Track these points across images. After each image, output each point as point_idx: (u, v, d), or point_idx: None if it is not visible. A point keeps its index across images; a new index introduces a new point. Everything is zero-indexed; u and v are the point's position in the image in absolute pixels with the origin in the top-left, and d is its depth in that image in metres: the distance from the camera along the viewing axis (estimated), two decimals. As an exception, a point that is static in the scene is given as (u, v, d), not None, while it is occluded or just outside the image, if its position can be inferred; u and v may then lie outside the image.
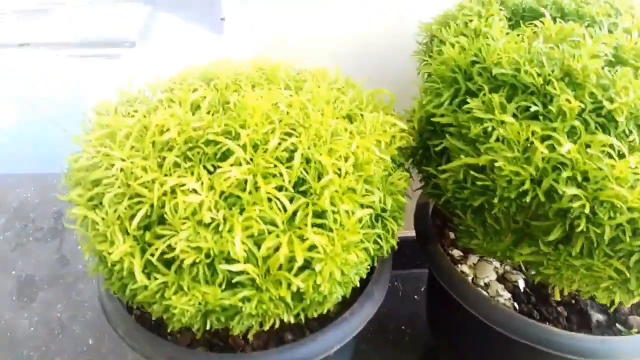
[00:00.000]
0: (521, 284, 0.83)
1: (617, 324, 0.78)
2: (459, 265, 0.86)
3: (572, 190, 0.52)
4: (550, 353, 0.71)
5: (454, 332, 0.93)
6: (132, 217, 0.54)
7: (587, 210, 0.51)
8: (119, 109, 0.68)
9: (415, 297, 1.28)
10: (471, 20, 0.69)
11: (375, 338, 1.17)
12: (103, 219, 0.56)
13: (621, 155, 0.54)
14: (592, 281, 0.58)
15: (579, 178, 0.52)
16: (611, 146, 0.54)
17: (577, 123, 0.53)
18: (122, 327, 0.71)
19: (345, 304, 0.73)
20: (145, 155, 0.57)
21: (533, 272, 0.64)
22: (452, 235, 0.92)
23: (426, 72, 0.71)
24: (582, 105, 0.54)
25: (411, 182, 0.75)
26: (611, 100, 0.54)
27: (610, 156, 0.52)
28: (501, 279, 0.85)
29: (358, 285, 0.62)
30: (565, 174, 0.52)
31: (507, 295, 0.82)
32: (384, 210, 0.63)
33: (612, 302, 0.61)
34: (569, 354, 0.71)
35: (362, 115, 0.68)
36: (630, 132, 0.55)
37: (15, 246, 1.39)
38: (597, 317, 0.79)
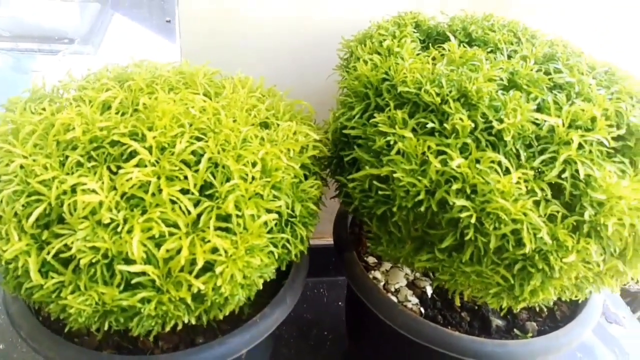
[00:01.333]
0: (429, 290, 0.87)
1: (515, 329, 0.83)
2: (373, 272, 0.89)
3: (461, 202, 0.56)
4: (452, 356, 0.75)
5: (367, 336, 0.96)
6: (30, 215, 0.54)
7: (473, 221, 0.55)
8: (29, 105, 0.66)
9: (340, 303, 1.31)
10: (385, 40, 0.72)
11: (297, 343, 1.19)
12: (0, 216, 0.55)
13: (507, 172, 0.58)
14: (483, 287, 0.62)
15: (468, 191, 0.56)
16: (499, 163, 0.58)
17: (469, 140, 0.57)
18: (25, 329, 0.69)
19: (260, 308, 0.74)
20: (48, 153, 0.56)
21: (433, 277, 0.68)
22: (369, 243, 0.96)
23: (343, 86, 0.74)
24: (473, 125, 0.58)
25: (328, 191, 0.77)
26: (500, 121, 0.59)
27: (498, 172, 0.56)
28: (411, 285, 0.89)
29: (261, 287, 0.63)
30: (455, 186, 0.56)
31: (415, 300, 0.85)
32: (293, 216, 0.65)
33: (501, 307, 0.65)
34: (469, 357, 0.75)
35: (277, 124, 0.70)
36: (518, 150, 0.60)
37: None
38: (497, 322, 0.83)
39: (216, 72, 0.78)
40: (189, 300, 0.55)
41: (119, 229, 0.53)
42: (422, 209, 0.58)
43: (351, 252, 0.88)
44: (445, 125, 0.58)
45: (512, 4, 0.89)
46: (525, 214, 0.55)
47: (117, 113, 0.61)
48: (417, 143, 0.57)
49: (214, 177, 0.58)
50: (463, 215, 0.56)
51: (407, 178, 0.58)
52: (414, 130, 0.60)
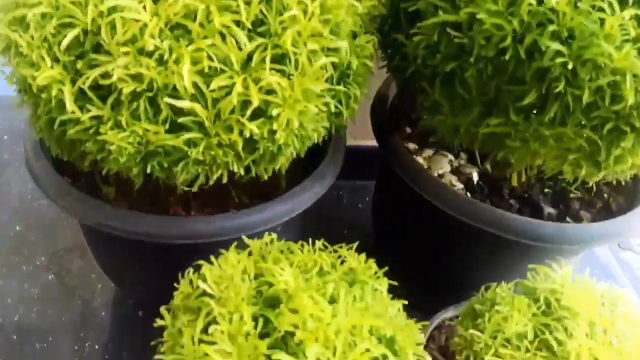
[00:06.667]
0: (475, 177, 0.82)
1: (567, 218, 0.78)
2: (414, 157, 0.83)
3: (555, 46, 0.48)
4: (506, 238, 0.70)
5: (403, 224, 0.92)
6: (62, 41, 0.46)
7: (569, 67, 0.48)
8: None
9: (360, 205, 1.26)
10: None
11: (318, 238, 1.15)
12: (28, 43, 0.47)
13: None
14: (560, 153, 0.56)
15: (565, 34, 0.49)
16: (603, 6, 0.50)
17: (568, -26, 0.49)
18: (52, 189, 0.64)
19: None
20: (78, -27, 0.48)
21: (496, 148, 0.62)
22: (408, 130, 0.89)
23: None
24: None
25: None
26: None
27: (602, 10, 0.48)
28: (455, 171, 0.83)
29: (315, 141, 0.57)
30: (550, 28, 0.48)
31: (460, 186, 0.80)
32: (348, 67, 0.57)
33: (575, 180, 0.59)
34: (526, 239, 0.70)
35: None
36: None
37: None
38: (549, 210, 0.79)
39: None
40: (239, 146, 0.49)
41: (165, 58, 0.45)
42: (507, 56, 0.51)
43: (394, 134, 0.82)
44: (539, -45, 0.50)
45: None
46: (629, 63, 0.48)
47: None
48: (507, -22, 0.49)
49: (267, 12, 0.50)
50: (557, 61, 0.48)
51: (492, 19, 0.50)
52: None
